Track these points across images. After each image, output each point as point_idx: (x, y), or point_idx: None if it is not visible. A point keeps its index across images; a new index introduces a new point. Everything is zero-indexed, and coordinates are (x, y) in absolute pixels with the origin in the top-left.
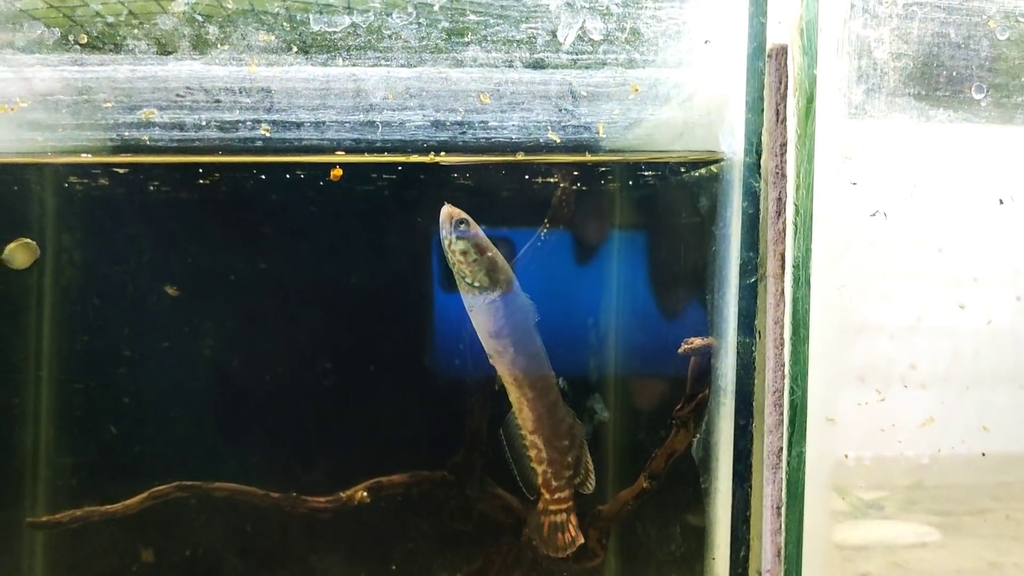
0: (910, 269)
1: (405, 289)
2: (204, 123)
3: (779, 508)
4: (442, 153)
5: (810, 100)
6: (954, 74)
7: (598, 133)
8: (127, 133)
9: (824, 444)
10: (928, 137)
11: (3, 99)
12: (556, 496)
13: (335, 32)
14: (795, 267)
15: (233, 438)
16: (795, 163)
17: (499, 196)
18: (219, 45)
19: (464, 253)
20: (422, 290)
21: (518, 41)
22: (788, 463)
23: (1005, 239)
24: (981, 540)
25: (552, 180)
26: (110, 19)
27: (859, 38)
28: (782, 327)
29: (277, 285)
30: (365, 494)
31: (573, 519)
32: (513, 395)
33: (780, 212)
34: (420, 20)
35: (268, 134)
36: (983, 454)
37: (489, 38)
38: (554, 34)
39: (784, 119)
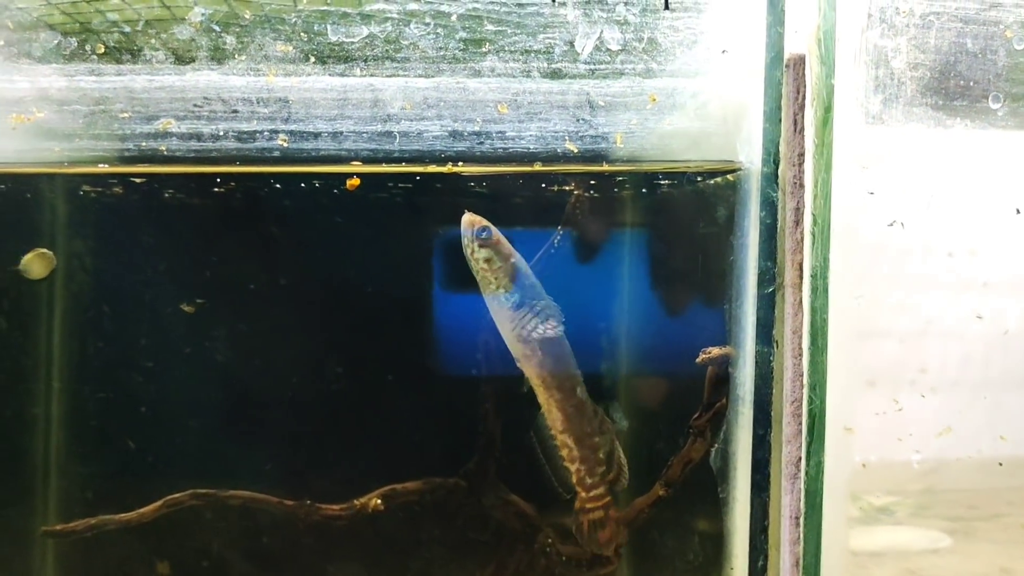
0: (927, 278)
1: (419, 296)
2: (222, 133)
3: (798, 518)
4: (459, 163)
5: (828, 110)
6: (971, 84)
7: (615, 143)
8: (144, 143)
9: (842, 453)
10: (945, 146)
11: (20, 109)
12: (592, 494)
13: (353, 42)
14: (813, 276)
15: (247, 446)
16: (813, 173)
17: (515, 204)
18: (236, 55)
19: (488, 260)
20: (436, 297)
21: (536, 51)
22: (807, 473)
23: (1022, 248)
24: (994, 545)
25: (567, 188)
26: (127, 29)
27: (876, 48)
28: (800, 337)
29: (293, 293)
30: (379, 501)
31: (612, 514)
32: (542, 396)
33: (798, 222)
34: (438, 30)
35: (286, 144)
36: (1000, 464)
37: (507, 48)
38: (572, 44)
39: (802, 129)
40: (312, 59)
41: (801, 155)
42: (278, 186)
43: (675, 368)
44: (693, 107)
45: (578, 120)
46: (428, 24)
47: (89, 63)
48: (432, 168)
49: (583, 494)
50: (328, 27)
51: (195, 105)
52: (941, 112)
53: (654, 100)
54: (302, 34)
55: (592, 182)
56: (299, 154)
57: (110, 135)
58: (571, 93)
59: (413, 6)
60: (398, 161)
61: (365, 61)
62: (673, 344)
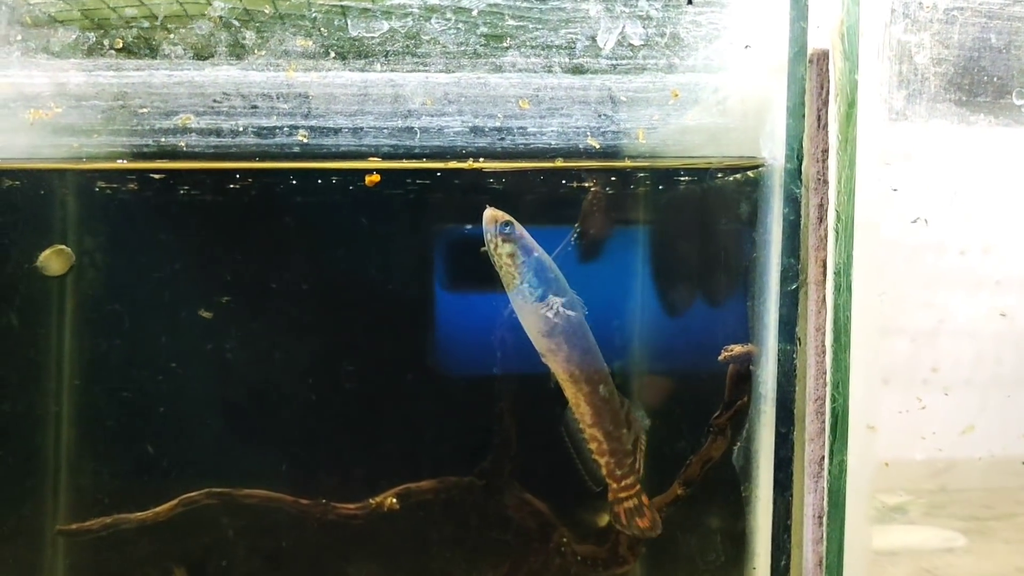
0: (950, 275)
1: (438, 294)
2: (241, 129)
3: (821, 517)
4: (480, 159)
5: (851, 105)
6: (995, 79)
7: (638, 139)
8: (163, 139)
9: (865, 452)
10: (969, 142)
11: (37, 104)
12: (623, 484)
13: (373, 37)
14: (836, 273)
15: (262, 444)
16: (836, 169)
17: (536, 200)
18: (256, 51)
19: (511, 255)
20: (455, 295)
21: (557, 46)
22: (830, 472)
23: None
24: (1008, 545)
25: (587, 184)
26: (145, 24)
27: (900, 43)
28: (823, 334)
29: (310, 291)
30: (394, 500)
31: (646, 500)
32: (569, 391)
33: (822, 218)
34: (458, 25)
35: (306, 140)
36: (1023, 463)
37: (528, 43)
38: (593, 39)
39: (825, 124)
40: (332, 54)
41: (825, 151)
42: (295, 182)
43: (696, 366)
44: (715, 102)
45: (600, 116)
46: (449, 19)
47: (108, 58)
48: (453, 164)
49: (614, 485)
50: (348, 22)
51: (214, 101)
52: (965, 108)
53: (676, 96)
54: (322, 29)
55: (613, 178)
56: (319, 150)
57: (129, 131)
58: (593, 88)
59: (434, 1)
60: (419, 157)
61: (385, 56)
62: (694, 341)
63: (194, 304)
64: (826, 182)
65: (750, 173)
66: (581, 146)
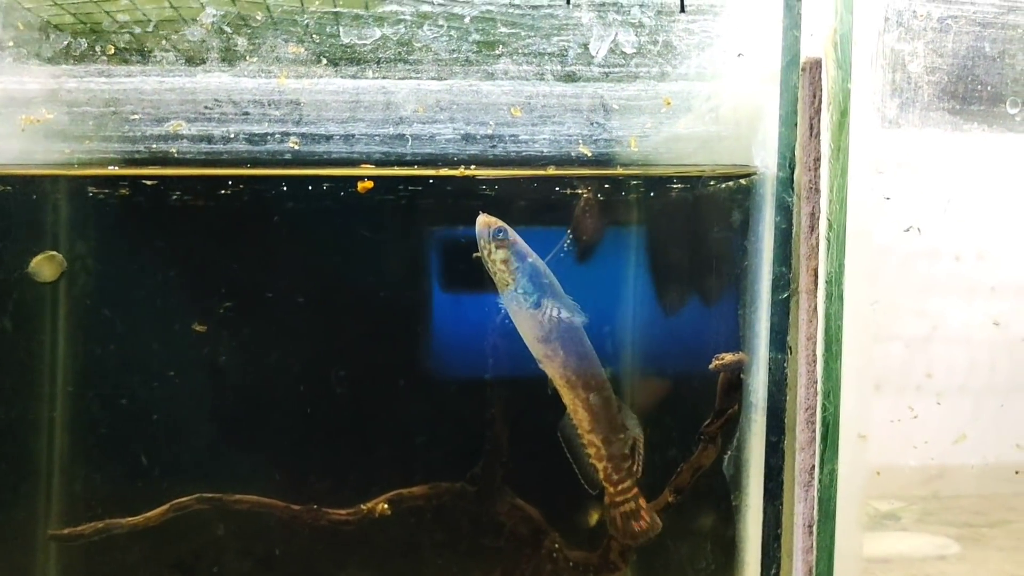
0: (942, 283)
1: (430, 300)
2: (233, 136)
3: (811, 526)
4: (472, 167)
5: (844, 114)
6: (989, 88)
7: (629, 146)
8: (155, 145)
9: (856, 460)
10: (962, 151)
11: (29, 111)
12: (620, 487)
13: (365, 44)
14: (828, 282)
15: (253, 450)
16: (828, 177)
17: (528, 207)
18: (248, 57)
19: (505, 261)
20: (447, 301)
21: (550, 54)
22: (820, 481)
23: None
24: (1001, 552)
25: (579, 192)
26: (137, 30)
27: (893, 51)
28: (815, 343)
29: (302, 297)
30: (386, 506)
31: (643, 503)
32: (567, 397)
33: (813, 227)
34: (451, 32)
35: (297, 147)
36: (1016, 472)
37: (520, 51)
38: (586, 47)
39: (818, 133)
40: (324, 61)
41: (817, 159)
42: (286, 189)
43: (687, 374)
44: (708, 110)
45: (592, 123)
46: (441, 26)
47: (99, 64)
48: (445, 171)
49: (611, 489)
50: (340, 29)
51: (206, 107)
52: (958, 116)
53: (669, 103)
54: (314, 36)
55: (605, 186)
56: (311, 157)
57: (120, 137)
58: (585, 96)
59: (426, 8)
60: (410, 164)
61: (377, 63)
62: (685, 349)
63: (186, 309)
64: (818, 190)
65: (742, 181)
66: (573, 154)
